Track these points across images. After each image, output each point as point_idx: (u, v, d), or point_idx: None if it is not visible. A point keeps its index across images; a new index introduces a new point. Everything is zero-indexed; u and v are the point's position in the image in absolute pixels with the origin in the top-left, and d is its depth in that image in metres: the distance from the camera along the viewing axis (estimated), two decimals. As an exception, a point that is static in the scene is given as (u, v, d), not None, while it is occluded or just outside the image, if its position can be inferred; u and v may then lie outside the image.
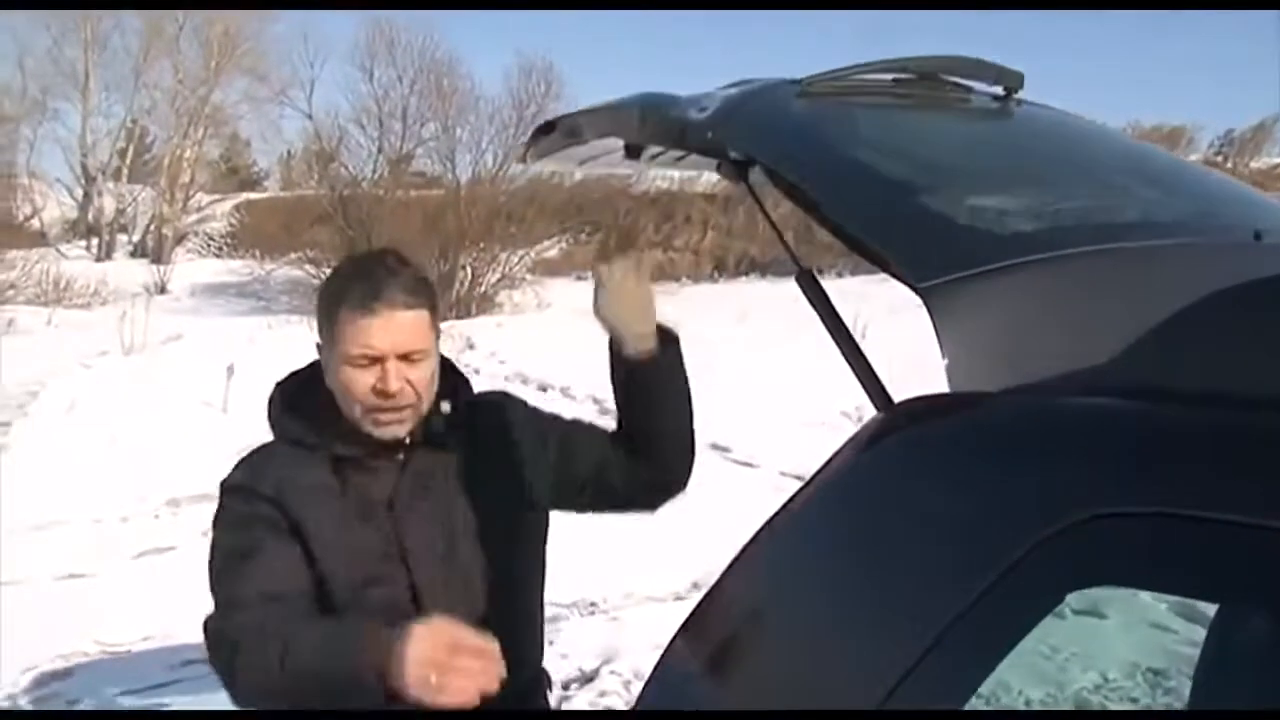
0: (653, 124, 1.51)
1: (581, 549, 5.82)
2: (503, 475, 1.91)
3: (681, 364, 1.94)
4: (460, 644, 1.46)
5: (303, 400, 1.87)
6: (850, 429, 1.23)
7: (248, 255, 24.16)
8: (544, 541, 2.00)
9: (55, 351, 14.81)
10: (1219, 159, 19.15)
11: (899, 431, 1.18)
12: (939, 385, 1.13)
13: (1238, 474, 0.92)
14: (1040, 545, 0.95)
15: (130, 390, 12.12)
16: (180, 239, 28.44)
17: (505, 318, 18.46)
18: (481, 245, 19.25)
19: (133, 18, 28.79)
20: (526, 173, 20.70)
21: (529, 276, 20.23)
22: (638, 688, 1.26)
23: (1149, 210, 1.51)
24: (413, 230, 18.58)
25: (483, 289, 19.35)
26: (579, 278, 21.28)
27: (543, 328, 16.60)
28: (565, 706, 4.26)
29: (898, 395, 1.23)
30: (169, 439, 9.28)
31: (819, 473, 1.18)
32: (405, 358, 1.76)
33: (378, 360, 1.74)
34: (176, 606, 4.09)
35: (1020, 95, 1.65)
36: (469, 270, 19.21)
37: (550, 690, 2.03)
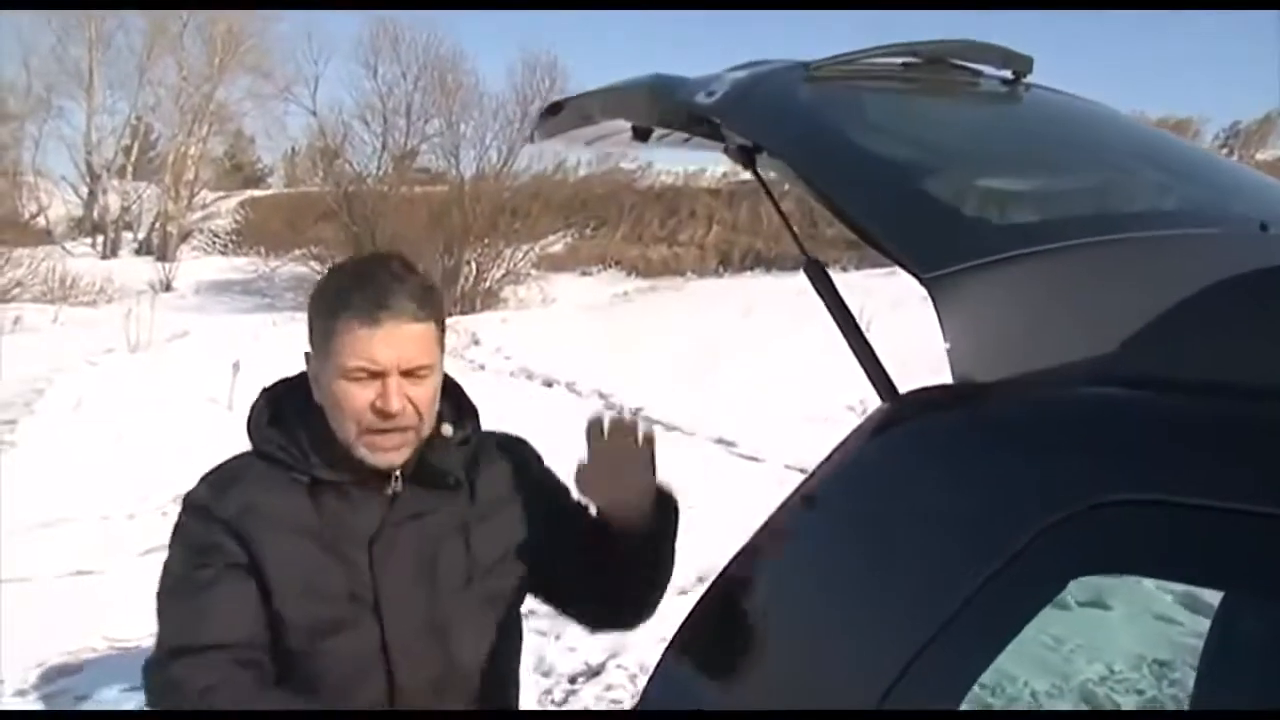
0: (660, 107, 1.50)
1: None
2: (502, 526, 1.73)
3: (675, 532, 1.76)
4: None
5: (290, 412, 1.69)
6: (855, 423, 1.23)
7: (252, 252, 24.22)
8: (522, 603, 1.79)
9: (61, 349, 14.84)
10: (1224, 151, 19.11)
11: (904, 422, 1.18)
12: (944, 378, 1.13)
13: (1238, 463, 0.93)
14: (1043, 533, 0.96)
15: (136, 388, 12.15)
16: (185, 236, 28.49)
17: (510, 313, 18.48)
18: (486, 241, 19.28)
19: (137, 16, 28.85)
20: (531, 168, 20.76)
21: (534, 272, 20.26)
22: (643, 681, 1.27)
23: (1156, 199, 1.51)
24: (417, 226, 18.62)
25: (487, 284, 19.37)
26: (584, 273, 21.33)
27: (548, 323, 16.63)
28: (572, 700, 4.27)
29: (903, 388, 1.24)
30: (175, 436, 9.28)
31: (824, 463, 1.19)
32: (409, 374, 1.60)
33: (378, 375, 1.58)
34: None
35: (1029, 79, 1.65)
36: (474, 266, 19.23)
37: None
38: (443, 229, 18.92)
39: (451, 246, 18.81)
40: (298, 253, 20.72)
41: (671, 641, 1.26)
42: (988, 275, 1.13)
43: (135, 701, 4.41)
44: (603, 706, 4.20)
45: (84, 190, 30.38)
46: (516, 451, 1.83)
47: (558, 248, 22.15)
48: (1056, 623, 3.27)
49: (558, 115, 1.70)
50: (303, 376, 1.72)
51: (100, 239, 28.71)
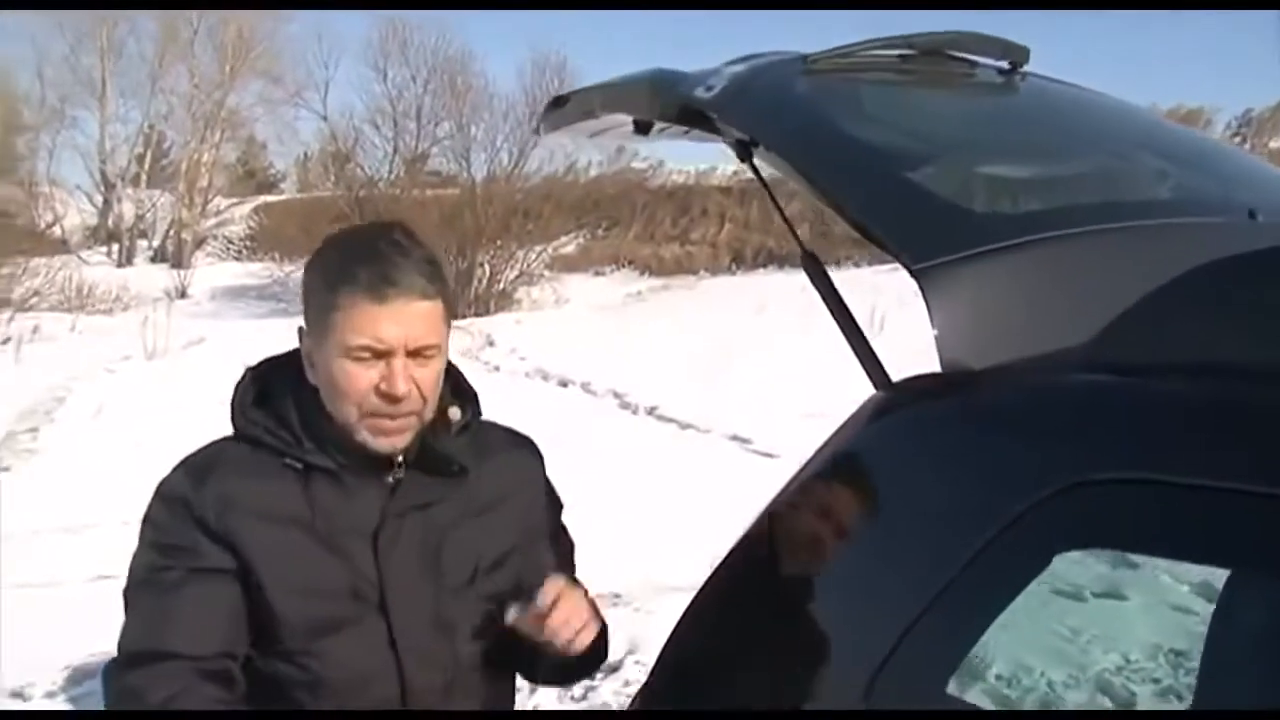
0: (660, 101, 1.53)
1: (606, 541, 5.87)
2: (502, 521, 1.63)
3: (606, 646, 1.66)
4: None
5: (279, 393, 1.57)
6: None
7: (267, 258, 24.26)
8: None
9: (79, 357, 14.94)
10: (1236, 139, 19.01)
11: (898, 409, 1.24)
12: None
13: (1218, 442, 0.96)
14: (1029, 510, 1.00)
15: (154, 394, 12.22)
16: (199, 243, 28.58)
17: (524, 314, 18.51)
18: (499, 243, 19.31)
19: (148, 22, 28.97)
20: (542, 170, 20.78)
21: (547, 273, 20.28)
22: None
23: (1146, 189, 1.54)
24: (430, 229, 18.63)
25: (501, 286, 19.40)
26: (597, 273, 21.33)
27: (561, 324, 16.67)
28: (590, 696, 4.29)
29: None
30: (193, 441, 9.28)
31: (821, 449, 1.24)
32: (416, 354, 1.48)
33: (383, 355, 1.46)
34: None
35: (1026, 69, 1.67)
36: (487, 268, 19.26)
37: None
38: (455, 231, 18.94)
39: (464, 249, 18.84)
40: (312, 257, 20.76)
41: (677, 625, 1.32)
42: (975, 266, 1.17)
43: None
44: (621, 703, 4.22)
45: (99, 199, 30.51)
46: (520, 447, 1.73)
47: (570, 248, 22.16)
48: (1073, 614, 3.27)
49: (562, 109, 1.73)
50: (293, 355, 1.60)
51: (115, 247, 28.83)
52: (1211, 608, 1.57)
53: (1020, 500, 1.01)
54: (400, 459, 1.54)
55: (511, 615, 1.51)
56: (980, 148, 1.55)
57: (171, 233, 28.83)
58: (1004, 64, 1.65)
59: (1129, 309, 1.12)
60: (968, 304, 1.16)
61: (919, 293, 1.15)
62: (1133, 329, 1.11)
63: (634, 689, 4.48)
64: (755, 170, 1.46)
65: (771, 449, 8.27)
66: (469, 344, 15.29)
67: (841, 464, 1.24)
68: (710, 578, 1.32)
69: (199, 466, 1.54)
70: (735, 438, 8.79)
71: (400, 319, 1.46)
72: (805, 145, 1.38)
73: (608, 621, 1.65)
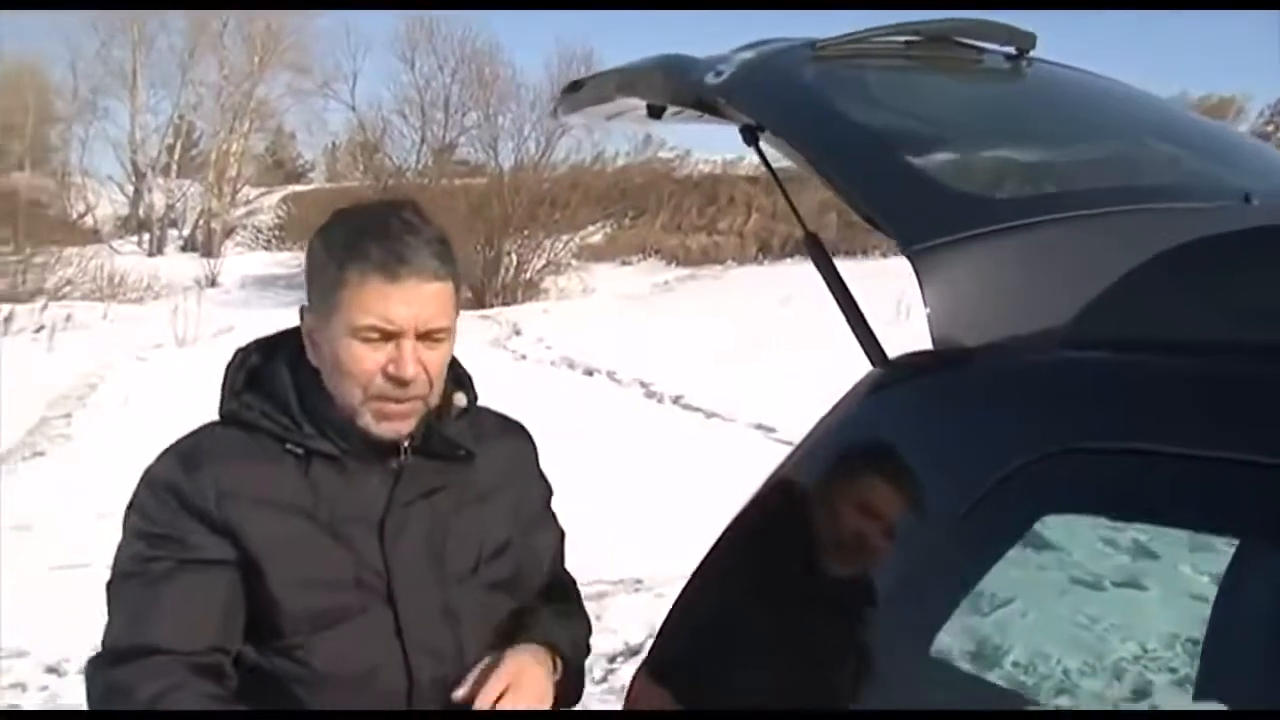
0: (672, 87, 1.56)
1: (630, 527, 5.91)
2: (501, 510, 1.57)
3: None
4: None
5: (272, 375, 1.50)
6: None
7: (296, 247, 24.41)
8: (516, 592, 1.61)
9: (111, 345, 15.10)
10: (1269, 128, 18.78)
11: (895, 384, 1.28)
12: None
13: (1191, 412, 1.00)
14: (1015, 473, 1.05)
15: (184, 382, 12.33)
16: (229, 232, 28.84)
17: (551, 304, 18.57)
18: (526, 232, 19.37)
19: (178, 17, 29.21)
20: (569, 159, 20.81)
21: (574, 262, 20.33)
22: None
23: (1143, 174, 1.56)
24: (458, 218, 18.71)
25: (528, 275, 19.46)
26: (623, 262, 21.34)
27: (588, 313, 16.71)
28: (611, 679, 4.33)
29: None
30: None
31: (822, 421, 1.29)
32: (425, 336, 1.42)
33: (393, 337, 1.40)
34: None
35: (1033, 55, 1.68)
36: (514, 257, 19.33)
37: None
38: (483, 221, 19.01)
39: (492, 238, 18.91)
40: (340, 247, 20.86)
41: (684, 589, 1.38)
42: (968, 248, 1.21)
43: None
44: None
45: (129, 189, 30.87)
46: (515, 433, 1.67)
47: (597, 238, 22.19)
48: (1091, 603, 3.27)
49: (578, 92, 1.76)
50: (288, 335, 1.54)
51: (146, 237, 29.15)
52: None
53: (1006, 465, 1.06)
54: (406, 444, 1.47)
55: (460, 693, 1.43)
56: (980, 133, 1.58)
57: (201, 222, 29.11)
58: (1010, 50, 1.66)
59: (1114, 289, 1.16)
60: (960, 284, 1.20)
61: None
62: (1117, 308, 1.15)
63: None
64: (761, 154, 1.48)
65: (795, 438, 8.23)
66: (496, 333, 15.36)
67: (840, 435, 1.29)
68: (715, 543, 1.39)
69: (190, 453, 1.46)
70: (760, 426, 8.80)
71: (412, 299, 1.40)
72: (807, 130, 1.41)
73: (576, 684, 1.60)
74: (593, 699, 4.24)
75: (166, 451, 1.48)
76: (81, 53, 30.17)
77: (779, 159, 1.51)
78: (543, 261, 19.67)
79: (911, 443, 1.21)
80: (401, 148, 22.38)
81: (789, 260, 19.33)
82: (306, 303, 1.49)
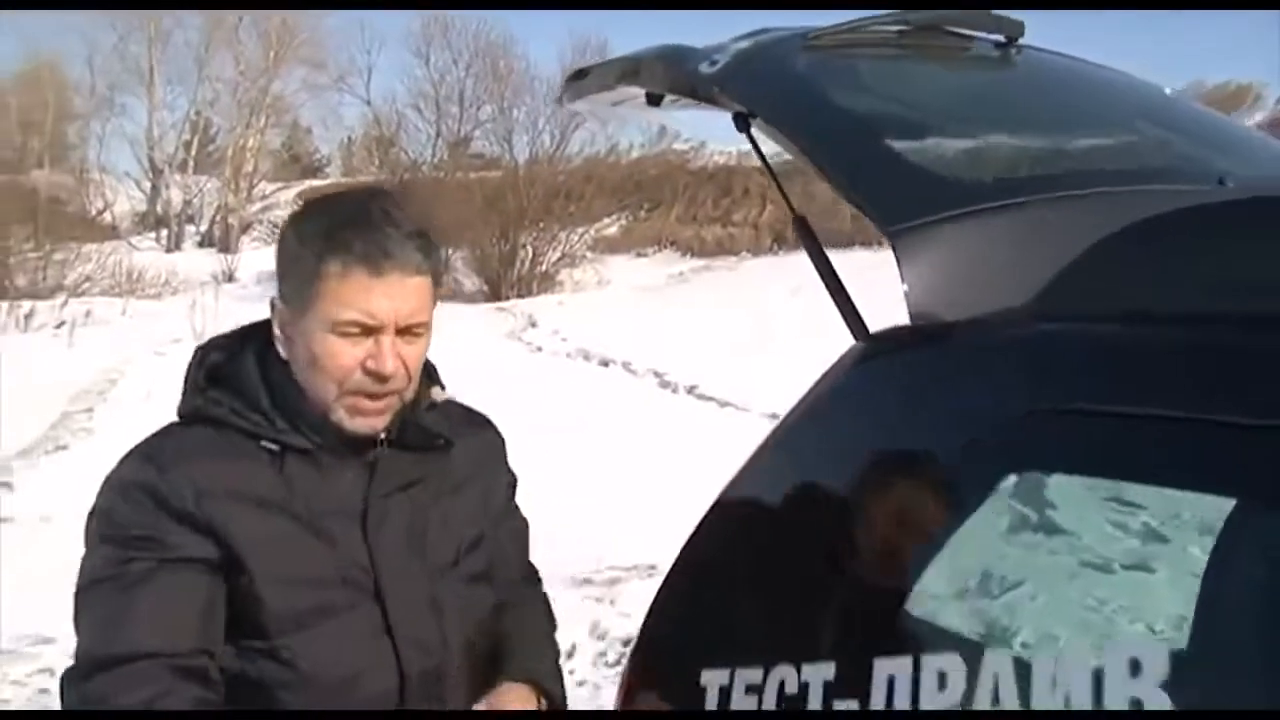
0: (670, 75, 1.61)
1: (644, 516, 5.95)
2: (472, 501, 1.57)
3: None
4: None
5: (242, 371, 1.45)
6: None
7: (312, 242, 24.48)
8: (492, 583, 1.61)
9: (130, 340, 15.18)
10: (1287, 115, 18.66)
11: (877, 356, 1.33)
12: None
13: (1149, 376, 1.06)
14: (987, 434, 1.12)
15: (204, 376, 12.43)
16: (246, 228, 28.91)
17: (566, 296, 18.60)
18: (541, 224, 19.42)
19: (193, 13, 29.34)
20: (583, 152, 20.84)
21: (589, 254, 20.37)
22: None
23: (1123, 158, 1.60)
24: (473, 212, 18.79)
25: (543, 268, 19.51)
26: (638, 254, 21.35)
27: (603, 305, 16.74)
28: (624, 661, 4.38)
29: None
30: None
31: (809, 392, 1.35)
32: (405, 331, 1.39)
33: (373, 332, 1.37)
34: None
35: (1021, 43, 1.73)
36: (530, 249, 19.38)
37: None
38: (498, 214, 19.07)
39: (507, 231, 18.97)
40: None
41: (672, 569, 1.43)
42: (945, 228, 1.26)
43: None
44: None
45: (147, 185, 30.98)
46: (484, 425, 1.66)
47: (612, 230, 22.22)
48: (1101, 585, 3.28)
49: (582, 80, 1.81)
50: (253, 330, 1.51)
51: (164, 232, 29.26)
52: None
53: (978, 428, 1.12)
54: (382, 437, 1.45)
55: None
56: (965, 119, 1.62)
57: (218, 218, 29.21)
58: (999, 38, 1.71)
59: (1085, 265, 1.20)
60: (937, 263, 1.25)
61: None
62: (1085, 284, 1.20)
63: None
64: (753, 142, 1.53)
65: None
66: (512, 325, 15.42)
67: (823, 407, 1.34)
68: (700, 522, 1.44)
69: (157, 453, 1.41)
70: (774, 416, 8.72)
71: (395, 293, 1.37)
72: (796, 116, 1.45)
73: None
74: (608, 683, 4.30)
75: (129, 454, 1.43)
76: (98, 49, 30.36)
77: (779, 153, 1.56)
78: (558, 254, 19.71)
79: (890, 413, 1.26)
80: (417, 141, 22.60)
81: (803, 251, 19.29)
82: (277, 295, 1.44)
